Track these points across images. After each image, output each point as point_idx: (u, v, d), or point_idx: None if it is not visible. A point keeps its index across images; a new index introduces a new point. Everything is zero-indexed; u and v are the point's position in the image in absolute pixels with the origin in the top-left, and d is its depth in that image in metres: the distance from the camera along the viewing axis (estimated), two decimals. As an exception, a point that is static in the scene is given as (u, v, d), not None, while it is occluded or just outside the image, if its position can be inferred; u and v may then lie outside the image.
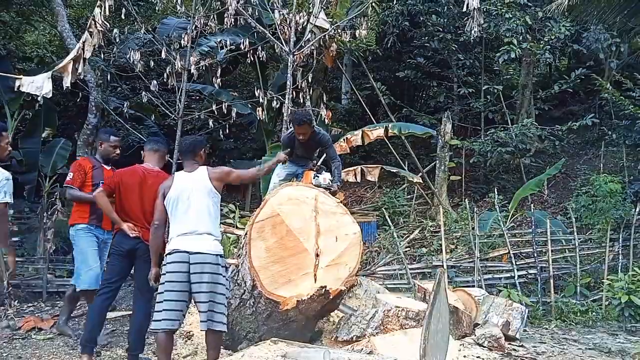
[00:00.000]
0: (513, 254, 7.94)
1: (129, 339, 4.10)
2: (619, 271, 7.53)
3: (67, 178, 4.69)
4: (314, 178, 5.02)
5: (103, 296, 4.10)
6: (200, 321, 3.62)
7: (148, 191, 4.08)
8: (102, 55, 9.53)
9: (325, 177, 5.05)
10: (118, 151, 4.98)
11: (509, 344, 5.01)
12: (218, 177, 3.84)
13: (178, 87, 8.68)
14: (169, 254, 3.65)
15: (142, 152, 4.69)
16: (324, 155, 5.77)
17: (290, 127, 5.59)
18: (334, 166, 5.48)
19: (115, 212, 4.13)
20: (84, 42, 6.61)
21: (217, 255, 3.66)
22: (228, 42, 9.24)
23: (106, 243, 4.73)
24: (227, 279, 3.76)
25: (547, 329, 6.41)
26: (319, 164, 5.43)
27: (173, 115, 8.86)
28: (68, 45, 8.81)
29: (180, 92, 8.61)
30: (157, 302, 3.60)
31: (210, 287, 3.58)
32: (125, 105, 9.37)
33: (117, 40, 8.74)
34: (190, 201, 3.73)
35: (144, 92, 9.06)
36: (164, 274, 3.62)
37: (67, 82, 6.38)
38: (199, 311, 3.62)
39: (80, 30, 10.40)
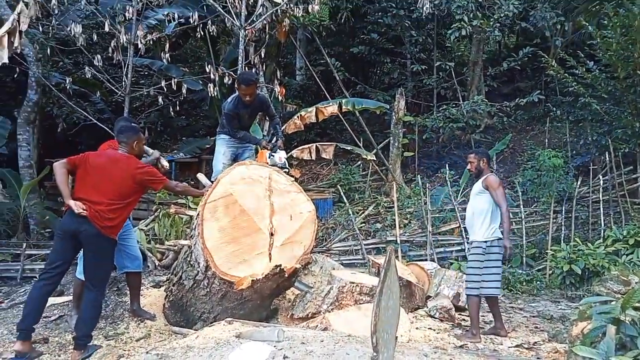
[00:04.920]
0: (463, 227, 8.19)
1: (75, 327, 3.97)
2: (562, 242, 7.93)
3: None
4: (269, 157, 4.97)
5: (43, 282, 3.87)
6: None
7: (116, 175, 3.87)
8: (41, 28, 8.99)
9: (280, 156, 5.02)
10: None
11: (459, 314, 5.20)
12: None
13: (124, 61, 8.33)
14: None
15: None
16: (271, 130, 5.73)
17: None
18: (275, 122, 5.57)
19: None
20: (19, 14, 6.21)
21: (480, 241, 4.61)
22: (176, 15, 8.93)
23: None
24: (479, 258, 4.56)
25: (494, 298, 6.69)
26: (271, 141, 5.39)
27: (120, 92, 8.53)
28: (2, 17, 8.25)
29: (126, 67, 8.28)
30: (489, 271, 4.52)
31: None
32: (67, 81, 8.92)
33: (56, 11, 8.27)
34: None
35: (87, 67, 8.65)
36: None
37: (4, 58, 5.99)
38: None
39: (14, 1, 9.74)
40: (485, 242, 4.54)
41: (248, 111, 5.33)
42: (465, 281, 4.66)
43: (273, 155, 5.02)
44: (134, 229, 4.93)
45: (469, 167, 4.86)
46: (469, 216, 4.76)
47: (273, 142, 5.27)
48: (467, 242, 7.96)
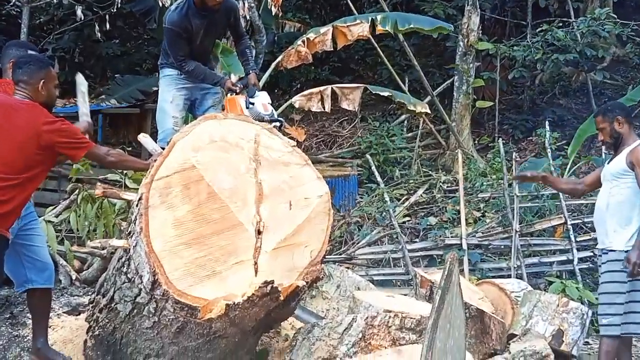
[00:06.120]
0: (572, 225, 8.17)
1: None
2: None
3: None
4: (246, 107, 4.95)
5: None
6: None
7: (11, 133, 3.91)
8: None
9: (264, 103, 5.00)
10: None
11: (563, 364, 5.23)
12: None
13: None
14: None
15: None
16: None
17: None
18: (244, 46, 5.70)
19: None
20: None
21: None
22: None
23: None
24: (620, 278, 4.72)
25: (620, 340, 6.71)
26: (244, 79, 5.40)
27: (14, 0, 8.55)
28: None
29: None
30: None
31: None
32: None
33: None
34: None
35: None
36: None
37: None
38: None
39: None
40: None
41: (204, 24, 5.35)
42: (599, 314, 4.78)
43: (252, 103, 5.01)
44: (39, 219, 4.98)
45: (600, 137, 4.92)
46: (600, 211, 4.80)
47: (246, 80, 5.31)
48: (577, 249, 8.00)
